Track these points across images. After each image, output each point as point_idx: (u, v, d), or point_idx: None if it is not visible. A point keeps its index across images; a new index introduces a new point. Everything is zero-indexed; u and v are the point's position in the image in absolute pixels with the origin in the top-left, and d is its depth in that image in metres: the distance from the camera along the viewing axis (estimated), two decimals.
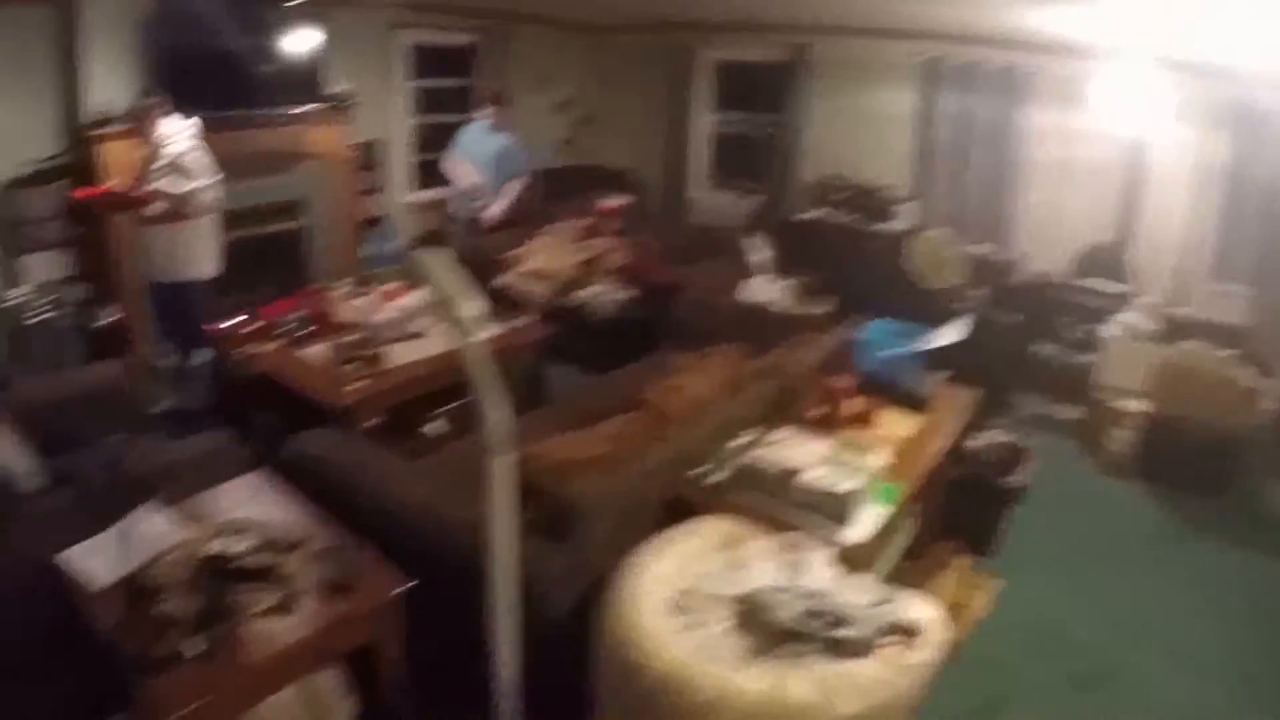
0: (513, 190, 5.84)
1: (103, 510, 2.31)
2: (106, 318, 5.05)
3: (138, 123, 4.32)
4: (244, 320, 3.97)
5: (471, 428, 3.48)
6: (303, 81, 5.65)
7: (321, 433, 2.81)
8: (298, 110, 5.62)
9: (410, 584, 2.13)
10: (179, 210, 4.26)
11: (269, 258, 5.76)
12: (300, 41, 5.62)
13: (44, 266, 5.03)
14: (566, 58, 7.87)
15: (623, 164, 7.77)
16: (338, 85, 5.89)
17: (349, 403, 3.39)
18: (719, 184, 7.82)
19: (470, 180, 5.76)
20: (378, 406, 3.54)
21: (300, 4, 5.57)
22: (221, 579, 2.05)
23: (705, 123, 7.72)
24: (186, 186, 4.25)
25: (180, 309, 4.54)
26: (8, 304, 4.74)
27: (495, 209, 5.78)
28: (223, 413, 3.87)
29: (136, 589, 2.04)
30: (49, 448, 2.70)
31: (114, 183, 4.45)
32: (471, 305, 1.59)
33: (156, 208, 4.24)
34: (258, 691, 1.99)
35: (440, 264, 1.65)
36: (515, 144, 5.87)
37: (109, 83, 5.04)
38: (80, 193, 4.55)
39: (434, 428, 3.91)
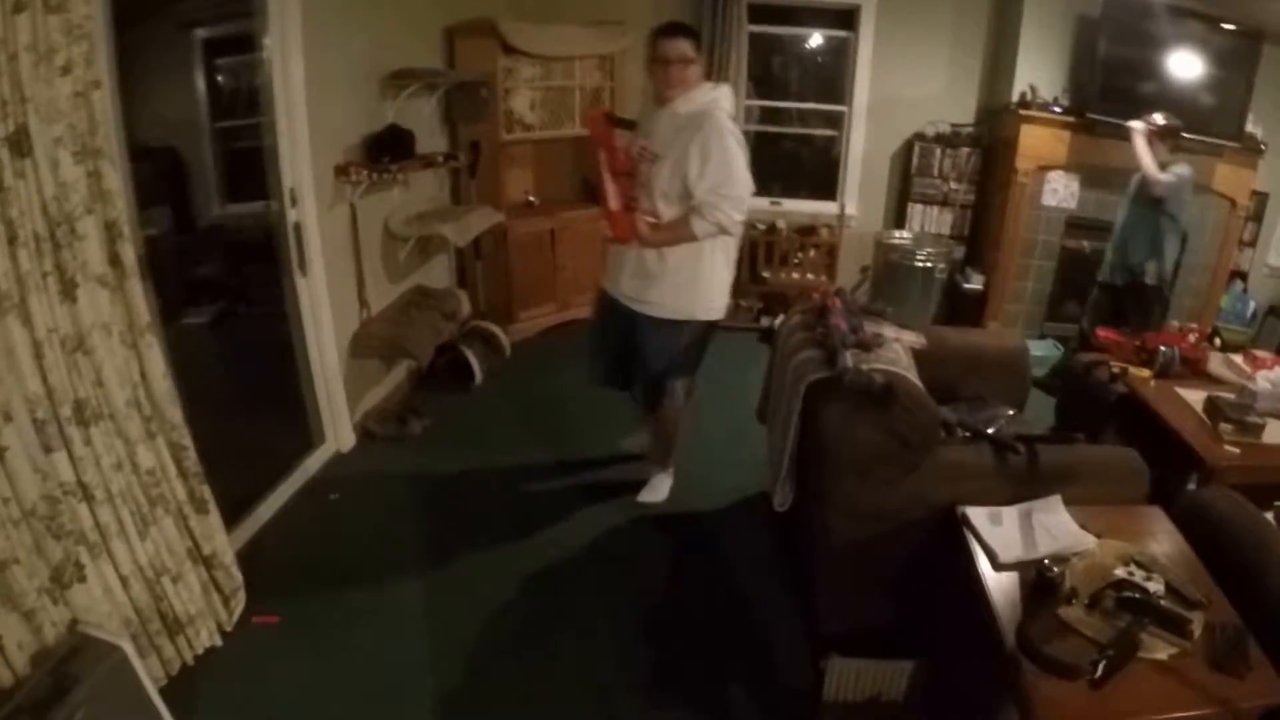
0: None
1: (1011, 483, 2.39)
2: (972, 282, 5.44)
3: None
4: (1128, 339, 3.83)
5: None
6: (1222, 112, 5.24)
7: (1227, 494, 2.52)
8: (1212, 140, 5.24)
9: None
10: (676, 229, 2.90)
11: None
12: (1230, 70, 5.20)
13: (927, 218, 5.77)
14: None
15: None
16: (1253, 125, 5.37)
17: (1222, 463, 3.07)
18: None
19: None
20: (1244, 477, 3.12)
21: (1239, 30, 5.13)
22: (1132, 609, 1.93)
23: None
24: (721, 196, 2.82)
25: (647, 354, 3.16)
26: (891, 241, 5.50)
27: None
28: (1071, 414, 3.80)
29: (1045, 581, 2.02)
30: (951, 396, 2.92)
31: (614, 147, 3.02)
32: None
33: (645, 214, 2.93)
34: None
35: None
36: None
37: (1038, 68, 5.33)
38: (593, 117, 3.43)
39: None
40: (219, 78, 5.61)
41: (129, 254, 2.27)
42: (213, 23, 5.20)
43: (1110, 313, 4.68)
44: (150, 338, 2.35)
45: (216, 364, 4.27)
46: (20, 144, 1.91)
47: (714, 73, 5.44)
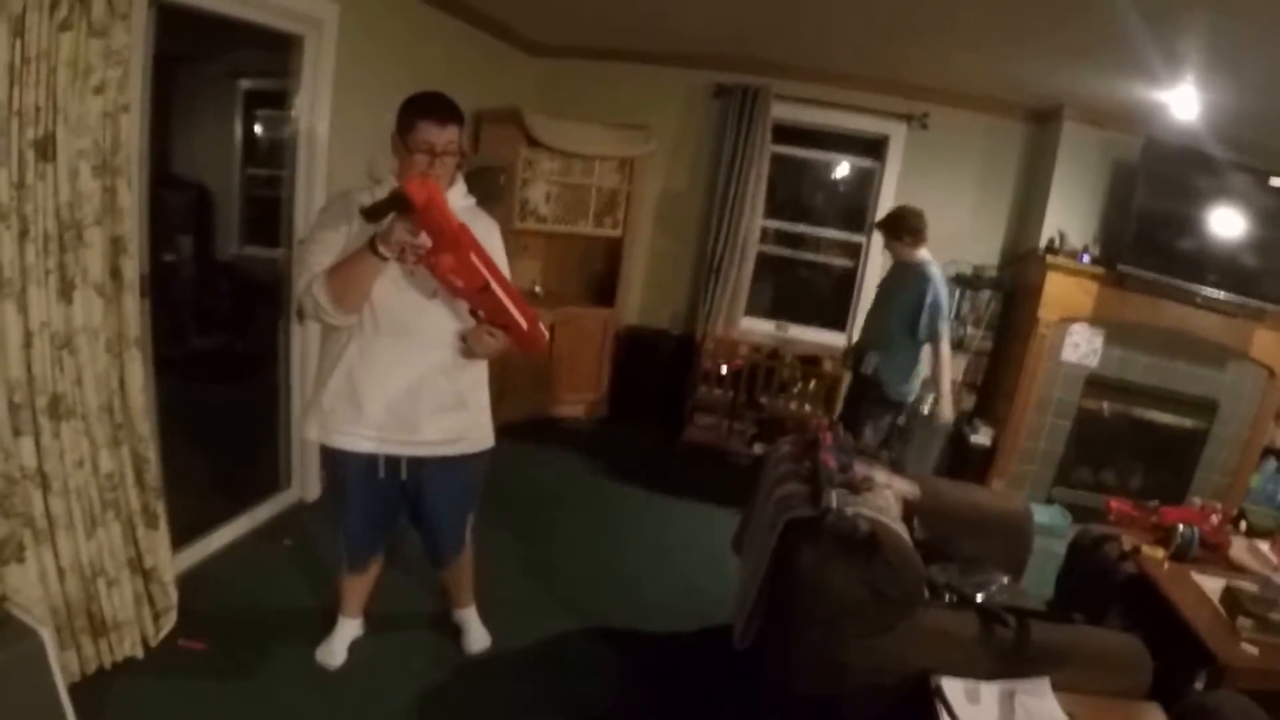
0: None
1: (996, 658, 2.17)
2: (980, 435, 5.21)
3: None
4: (1142, 511, 3.59)
5: None
6: (1265, 273, 4.93)
7: (1237, 699, 2.27)
8: (1248, 303, 4.94)
9: None
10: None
11: (1159, 447, 5.34)
12: (1276, 230, 4.89)
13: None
14: None
15: None
16: None
17: (1237, 663, 2.77)
18: None
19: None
20: (1260, 681, 2.82)
21: None
22: None
23: None
24: None
25: (452, 497, 2.61)
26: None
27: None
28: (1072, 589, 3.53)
29: None
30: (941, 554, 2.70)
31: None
32: None
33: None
34: None
35: None
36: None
37: (1069, 213, 5.14)
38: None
39: None
40: (256, 127, 5.97)
41: (130, 269, 2.40)
42: (256, 76, 5.60)
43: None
44: (135, 351, 2.45)
45: (207, 391, 4.43)
46: (46, 149, 2.08)
47: (731, 189, 5.42)
